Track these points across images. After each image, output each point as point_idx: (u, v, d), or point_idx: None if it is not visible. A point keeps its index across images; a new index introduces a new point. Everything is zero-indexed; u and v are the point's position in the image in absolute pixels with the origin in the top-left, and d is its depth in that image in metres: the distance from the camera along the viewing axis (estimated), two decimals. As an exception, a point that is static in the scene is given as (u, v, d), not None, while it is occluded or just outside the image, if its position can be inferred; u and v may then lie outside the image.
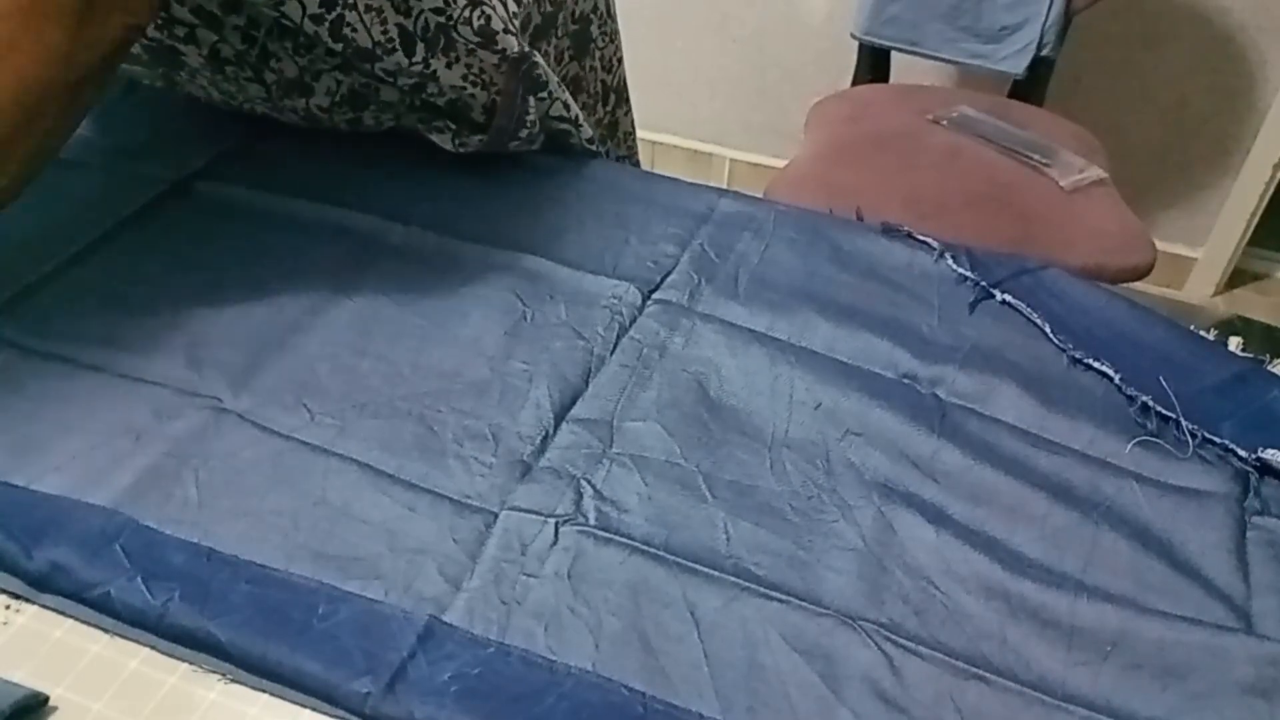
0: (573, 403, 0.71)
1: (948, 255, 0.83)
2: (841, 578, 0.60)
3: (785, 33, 1.80)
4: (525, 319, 0.78)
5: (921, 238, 0.87)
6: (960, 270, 0.83)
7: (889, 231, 0.88)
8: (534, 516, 0.62)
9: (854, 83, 1.56)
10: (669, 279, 0.82)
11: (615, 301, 0.79)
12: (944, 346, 0.77)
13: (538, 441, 0.68)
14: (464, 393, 0.71)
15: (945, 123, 1.34)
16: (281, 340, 0.74)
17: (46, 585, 0.58)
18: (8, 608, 0.57)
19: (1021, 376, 0.75)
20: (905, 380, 0.74)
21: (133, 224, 0.85)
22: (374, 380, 0.72)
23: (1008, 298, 0.81)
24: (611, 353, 0.75)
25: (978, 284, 0.82)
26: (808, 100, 1.46)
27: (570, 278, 0.82)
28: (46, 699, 0.53)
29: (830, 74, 1.71)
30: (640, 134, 1.80)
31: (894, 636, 0.57)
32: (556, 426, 0.69)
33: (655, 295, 0.81)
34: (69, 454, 0.65)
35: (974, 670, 0.56)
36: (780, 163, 1.30)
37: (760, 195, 0.98)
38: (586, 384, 0.72)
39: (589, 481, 0.65)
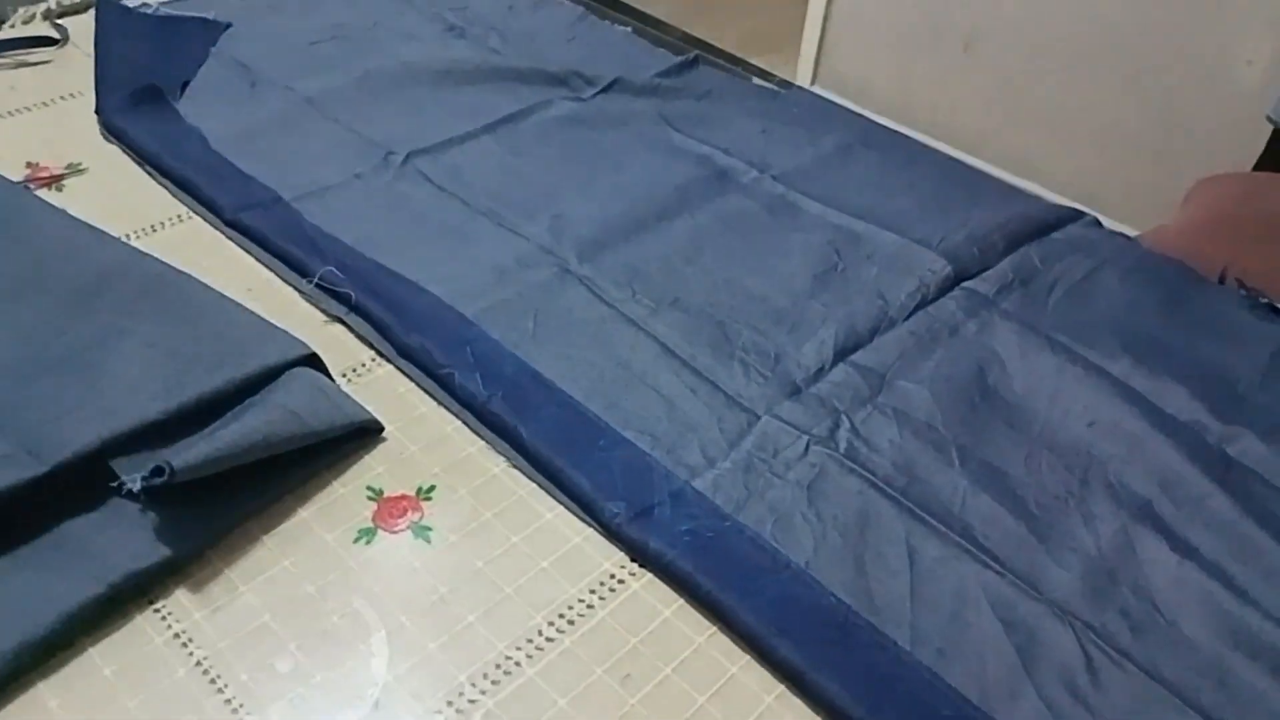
0: (854, 349, 0.76)
1: None
2: (1067, 574, 0.61)
3: (1198, 99, 1.65)
4: (836, 270, 0.84)
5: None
6: None
7: (1246, 293, 0.84)
8: (791, 429, 0.69)
9: (1256, 167, 1.44)
10: (987, 272, 0.85)
11: (930, 274, 0.83)
12: (1255, 408, 0.74)
13: (813, 371, 0.74)
14: (764, 315, 0.79)
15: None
16: (628, 233, 0.87)
17: (409, 355, 0.73)
18: (372, 360, 0.74)
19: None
20: (1194, 426, 0.72)
21: (538, 112, 1.02)
22: (693, 284, 0.82)
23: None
24: (905, 319, 0.79)
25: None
26: (1197, 173, 1.35)
27: (893, 243, 0.87)
28: (383, 428, 0.68)
29: (1230, 156, 1.57)
30: (982, 165, 1.69)
31: (1102, 642, 0.58)
32: (834, 364, 0.75)
33: (966, 283, 0.84)
34: (448, 275, 0.80)
35: (1179, 702, 0.55)
36: (1133, 232, 1.18)
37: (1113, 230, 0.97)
38: (871, 338, 0.78)
39: (849, 417, 0.71)
